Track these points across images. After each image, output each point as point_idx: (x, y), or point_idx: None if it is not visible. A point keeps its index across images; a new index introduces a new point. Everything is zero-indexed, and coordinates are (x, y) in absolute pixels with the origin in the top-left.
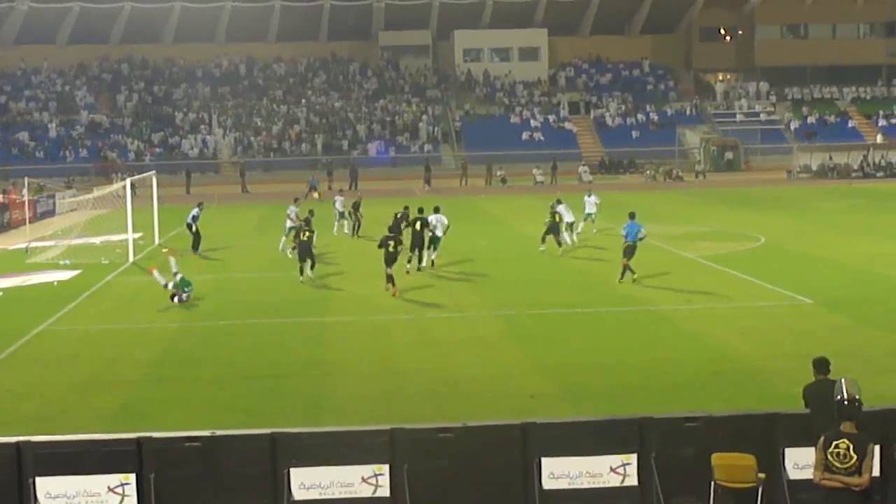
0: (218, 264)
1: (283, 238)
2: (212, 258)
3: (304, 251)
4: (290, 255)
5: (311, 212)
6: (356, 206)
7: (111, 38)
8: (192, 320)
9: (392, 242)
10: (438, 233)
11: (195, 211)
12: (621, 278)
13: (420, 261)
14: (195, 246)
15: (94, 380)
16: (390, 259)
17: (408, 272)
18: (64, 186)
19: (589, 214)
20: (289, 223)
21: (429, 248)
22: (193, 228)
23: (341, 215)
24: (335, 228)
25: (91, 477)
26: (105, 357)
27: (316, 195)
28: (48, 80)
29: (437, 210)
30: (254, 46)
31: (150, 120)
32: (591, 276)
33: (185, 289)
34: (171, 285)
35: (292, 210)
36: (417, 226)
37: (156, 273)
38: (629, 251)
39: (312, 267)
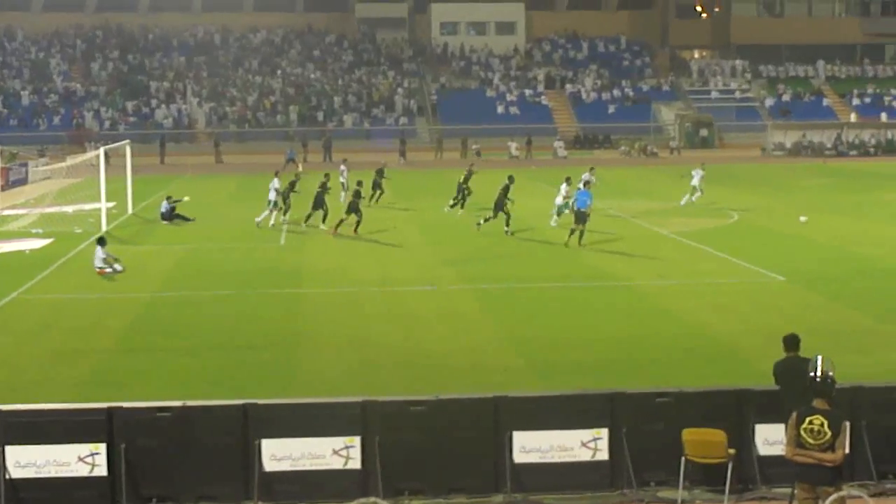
0: (192, 234)
1: (266, 212)
2: (186, 228)
3: (317, 202)
4: (270, 226)
5: (326, 175)
6: (381, 174)
7: (86, 5)
8: (165, 290)
9: (356, 200)
10: (558, 201)
11: (166, 206)
12: (567, 242)
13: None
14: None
15: (66, 349)
16: (351, 207)
17: (510, 233)
18: (37, 155)
19: (694, 188)
20: (272, 195)
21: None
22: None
23: (345, 186)
24: (342, 197)
25: (61, 446)
26: (77, 326)
27: (300, 167)
28: (22, 47)
29: (567, 180)
30: (230, 16)
31: (125, 89)
32: (565, 251)
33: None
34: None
35: (275, 182)
36: (500, 190)
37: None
38: (581, 217)
39: (324, 219)
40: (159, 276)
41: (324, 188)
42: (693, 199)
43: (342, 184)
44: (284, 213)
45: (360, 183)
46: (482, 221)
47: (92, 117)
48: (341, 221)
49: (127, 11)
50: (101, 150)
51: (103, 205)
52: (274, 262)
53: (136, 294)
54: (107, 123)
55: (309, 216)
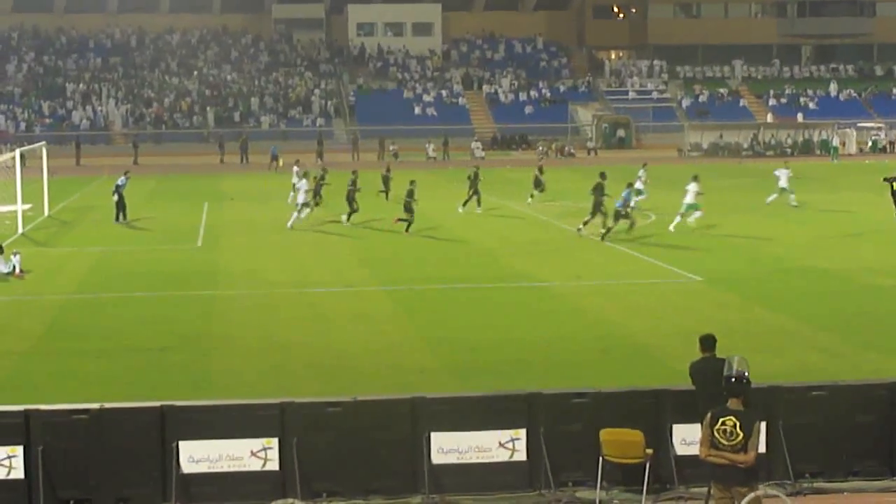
0: (109, 236)
1: (296, 214)
2: (102, 229)
3: (348, 200)
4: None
5: (354, 172)
6: (388, 171)
7: (1, 6)
8: (80, 292)
9: (409, 200)
10: (688, 199)
11: (121, 180)
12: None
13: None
14: (120, 215)
15: None
16: (406, 207)
17: (580, 232)
18: None
19: (783, 189)
20: (301, 197)
21: (684, 214)
22: (117, 196)
23: (296, 186)
24: (290, 198)
25: None
26: None
27: (280, 163)
28: None
29: (695, 178)
30: (146, 17)
31: (41, 90)
32: (480, 251)
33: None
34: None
35: (303, 184)
36: (595, 191)
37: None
38: (614, 214)
39: (349, 217)
40: (76, 277)
41: (353, 186)
42: (791, 199)
43: (294, 185)
44: (313, 207)
45: (412, 182)
46: (582, 226)
47: (7, 119)
48: (402, 220)
49: (42, 12)
50: (17, 152)
51: (19, 207)
52: (190, 264)
53: (52, 296)
54: (22, 125)
55: (350, 214)
